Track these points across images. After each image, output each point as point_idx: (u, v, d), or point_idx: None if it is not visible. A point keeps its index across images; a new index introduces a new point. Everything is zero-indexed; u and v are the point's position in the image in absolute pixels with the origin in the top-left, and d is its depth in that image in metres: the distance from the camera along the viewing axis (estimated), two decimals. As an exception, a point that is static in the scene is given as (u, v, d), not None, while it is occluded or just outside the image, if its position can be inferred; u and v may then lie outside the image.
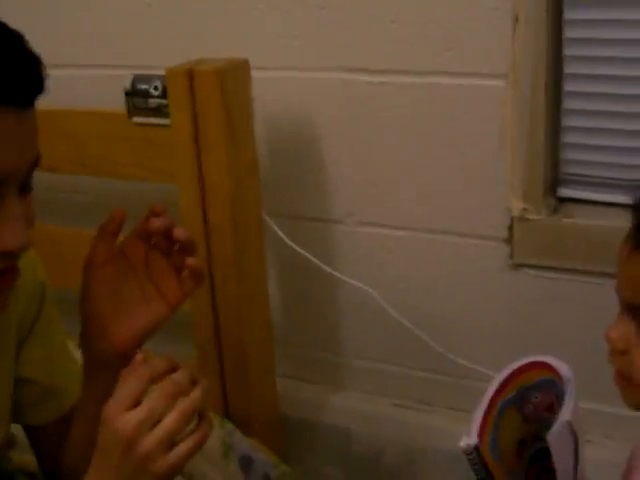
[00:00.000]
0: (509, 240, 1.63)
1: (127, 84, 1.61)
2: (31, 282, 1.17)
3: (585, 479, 1.02)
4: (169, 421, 0.93)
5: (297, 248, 1.78)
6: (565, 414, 0.96)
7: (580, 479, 1.00)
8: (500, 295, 1.68)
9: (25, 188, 0.94)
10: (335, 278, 1.82)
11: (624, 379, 0.95)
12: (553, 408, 1.03)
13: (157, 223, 1.11)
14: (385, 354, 1.88)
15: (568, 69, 1.53)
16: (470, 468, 1.01)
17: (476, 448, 1.00)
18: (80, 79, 1.91)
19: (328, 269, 1.80)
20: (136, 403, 0.94)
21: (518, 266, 1.64)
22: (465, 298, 1.73)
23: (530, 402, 1.06)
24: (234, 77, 1.53)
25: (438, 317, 1.76)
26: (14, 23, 0.92)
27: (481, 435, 1.02)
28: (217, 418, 1.65)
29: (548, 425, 0.98)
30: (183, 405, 0.96)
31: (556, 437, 0.95)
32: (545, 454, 1.00)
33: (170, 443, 0.95)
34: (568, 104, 1.55)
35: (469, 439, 1.00)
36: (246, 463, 1.63)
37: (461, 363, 1.73)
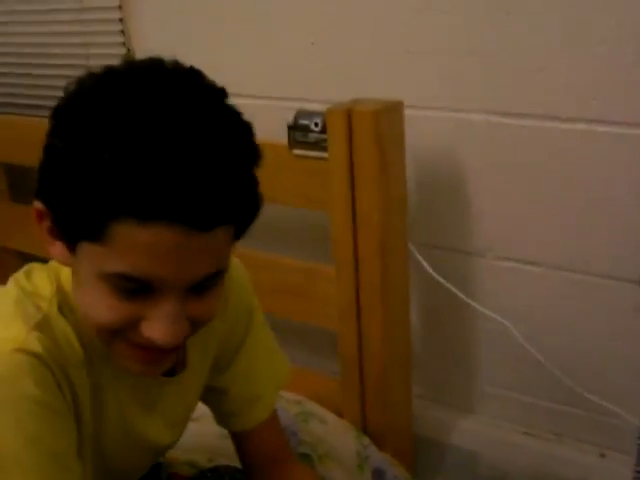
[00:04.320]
0: (643, 282, 1.65)
1: (290, 118, 1.69)
2: (237, 306, 1.24)
3: None
4: None
5: (440, 278, 1.83)
6: None
7: None
8: (633, 335, 1.69)
9: (201, 288, 0.95)
10: (472, 308, 1.85)
11: None
12: None
13: None
14: (516, 383, 1.90)
15: None
16: None
17: None
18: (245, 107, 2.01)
19: (466, 299, 1.84)
20: None
21: None
22: (599, 336, 1.74)
23: None
24: (388, 118, 1.61)
25: (570, 352, 1.78)
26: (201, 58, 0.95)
27: None
28: (355, 431, 1.74)
29: None
30: None
31: None
32: None
33: None
34: None
35: None
36: (379, 476, 1.68)
37: (589, 398, 1.75)
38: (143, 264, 0.89)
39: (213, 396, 1.31)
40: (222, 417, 1.34)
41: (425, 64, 1.78)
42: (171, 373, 1.15)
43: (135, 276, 0.90)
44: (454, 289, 1.84)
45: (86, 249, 0.92)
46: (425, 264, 1.83)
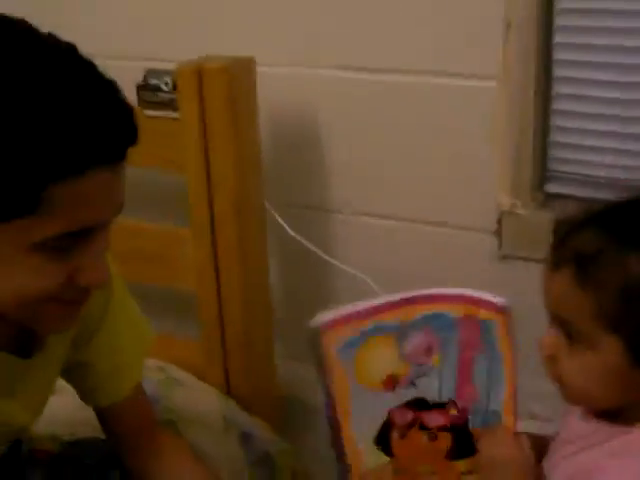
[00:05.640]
0: (498, 233, 1.69)
1: (139, 78, 1.66)
2: None
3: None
4: None
5: (296, 236, 1.84)
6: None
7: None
8: (488, 285, 1.69)
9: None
10: (332, 265, 1.87)
11: (556, 381, 1.02)
12: (432, 351, 1.06)
13: None
14: None
15: (557, 72, 1.60)
16: (310, 346, 1.03)
17: (318, 332, 1.02)
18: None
19: (325, 256, 1.85)
20: None
21: (506, 257, 1.70)
22: (457, 286, 1.77)
23: (409, 341, 1.07)
24: (240, 74, 1.59)
25: None
26: (30, 15, 0.93)
27: (334, 326, 1.03)
28: (220, 395, 1.72)
29: (424, 373, 1.03)
30: None
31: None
32: (422, 404, 1.05)
33: None
34: (557, 105, 1.62)
35: (318, 320, 1.03)
36: (246, 439, 1.66)
37: None
38: (82, 215, 0.90)
39: (76, 372, 1.26)
40: (87, 393, 1.30)
41: (276, 20, 1.77)
42: (27, 354, 1.12)
43: (75, 230, 0.90)
44: (312, 247, 1.85)
45: (5, 229, 0.89)
46: (283, 223, 1.83)
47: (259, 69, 1.64)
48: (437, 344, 1.07)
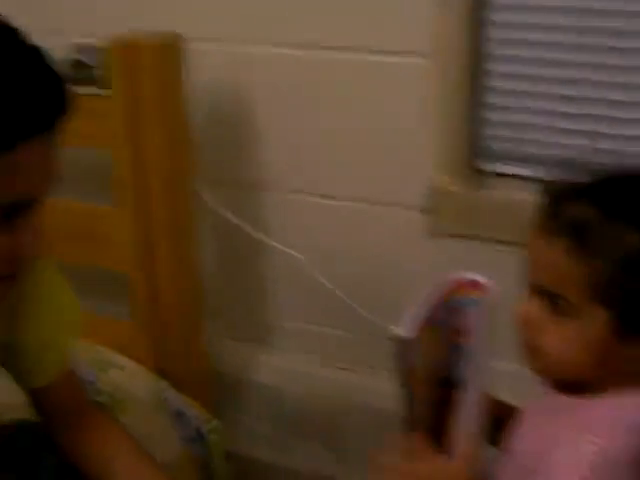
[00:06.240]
0: (429, 210, 1.69)
1: (68, 55, 1.63)
2: None
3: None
4: None
5: (228, 214, 1.83)
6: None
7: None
8: (420, 261, 1.73)
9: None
10: (264, 243, 1.86)
11: (530, 352, 1.03)
12: (459, 334, 1.05)
13: None
14: (312, 316, 1.92)
15: (489, 50, 1.60)
16: (397, 358, 0.99)
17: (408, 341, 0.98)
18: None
19: (257, 234, 1.85)
20: None
21: (437, 234, 1.70)
22: (386, 264, 1.78)
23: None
24: (169, 51, 1.58)
25: (363, 281, 1.81)
26: None
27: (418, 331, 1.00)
28: (151, 375, 1.71)
29: (459, 355, 1.03)
30: None
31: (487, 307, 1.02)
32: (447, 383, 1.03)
33: None
34: (488, 82, 1.63)
35: (406, 330, 0.97)
36: (178, 418, 1.66)
37: (380, 324, 1.75)
38: (16, 188, 0.89)
39: (6, 354, 1.23)
40: (19, 375, 1.27)
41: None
42: None
43: (9, 203, 0.90)
44: (244, 225, 1.84)
45: None
46: (215, 201, 1.82)
47: (191, 46, 1.62)
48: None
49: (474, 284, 1.08)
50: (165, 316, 1.72)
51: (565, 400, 1.04)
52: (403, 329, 0.98)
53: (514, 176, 1.66)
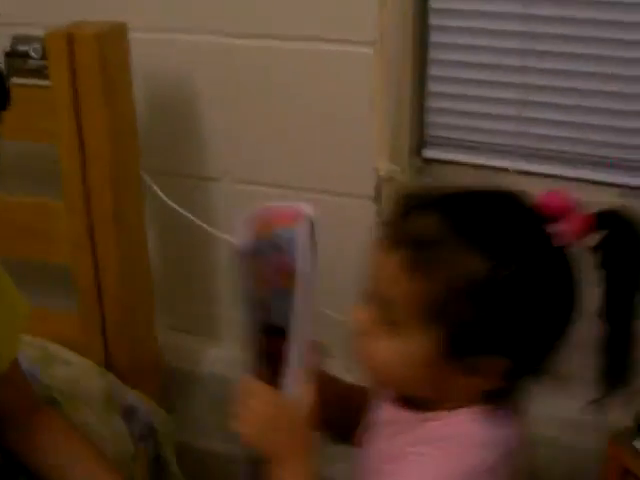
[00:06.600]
0: (377, 199, 1.69)
1: (6, 45, 1.61)
2: None
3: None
4: None
5: (175, 206, 1.82)
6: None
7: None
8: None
9: None
10: (211, 234, 1.86)
11: (363, 361, 0.99)
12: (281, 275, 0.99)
13: None
14: None
15: (433, 38, 1.61)
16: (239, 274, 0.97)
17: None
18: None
19: (203, 225, 1.84)
20: None
21: None
22: (341, 254, 1.74)
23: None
24: (113, 41, 1.56)
25: None
26: None
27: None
28: (100, 370, 1.69)
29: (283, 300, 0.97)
30: None
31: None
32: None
33: None
34: (433, 71, 1.64)
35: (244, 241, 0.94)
36: (129, 413, 1.65)
37: (329, 314, 1.74)
38: None
39: None
40: None
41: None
42: None
43: None
44: (191, 216, 1.83)
45: None
46: (160, 192, 1.80)
47: (134, 35, 1.60)
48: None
49: (296, 214, 1.02)
50: (112, 309, 1.71)
51: (406, 415, 1.01)
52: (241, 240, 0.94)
53: (460, 164, 1.67)
